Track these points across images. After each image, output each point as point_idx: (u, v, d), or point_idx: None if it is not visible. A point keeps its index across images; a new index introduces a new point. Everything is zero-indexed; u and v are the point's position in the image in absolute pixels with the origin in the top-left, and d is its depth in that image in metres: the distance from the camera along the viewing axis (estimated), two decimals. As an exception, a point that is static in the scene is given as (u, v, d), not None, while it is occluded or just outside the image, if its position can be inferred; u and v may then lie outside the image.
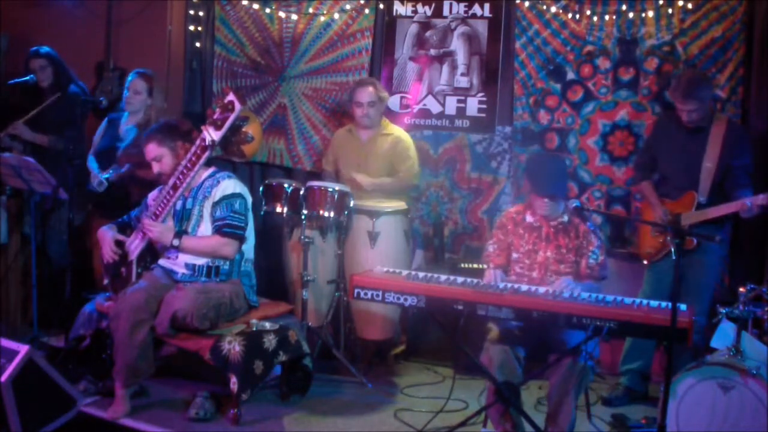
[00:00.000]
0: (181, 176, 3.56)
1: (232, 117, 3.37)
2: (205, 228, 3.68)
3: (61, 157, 4.60)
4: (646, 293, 3.88)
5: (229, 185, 3.70)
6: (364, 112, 4.49)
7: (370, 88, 4.48)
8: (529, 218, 3.49)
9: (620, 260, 4.41)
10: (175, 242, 3.61)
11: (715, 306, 3.43)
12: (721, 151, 3.79)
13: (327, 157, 4.80)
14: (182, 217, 3.71)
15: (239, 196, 3.69)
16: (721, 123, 3.84)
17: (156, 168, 3.69)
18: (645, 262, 4.02)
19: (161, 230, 3.62)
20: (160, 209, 3.65)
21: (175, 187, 3.59)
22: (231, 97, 3.38)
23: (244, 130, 3.51)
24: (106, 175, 4.32)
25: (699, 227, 3.73)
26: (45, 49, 4.76)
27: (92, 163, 4.51)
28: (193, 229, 3.69)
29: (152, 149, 3.67)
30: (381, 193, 4.46)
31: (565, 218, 3.43)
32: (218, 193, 3.67)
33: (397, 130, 4.64)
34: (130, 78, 4.48)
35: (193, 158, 3.50)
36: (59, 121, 4.66)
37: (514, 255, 3.50)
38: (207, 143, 3.43)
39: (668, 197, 3.94)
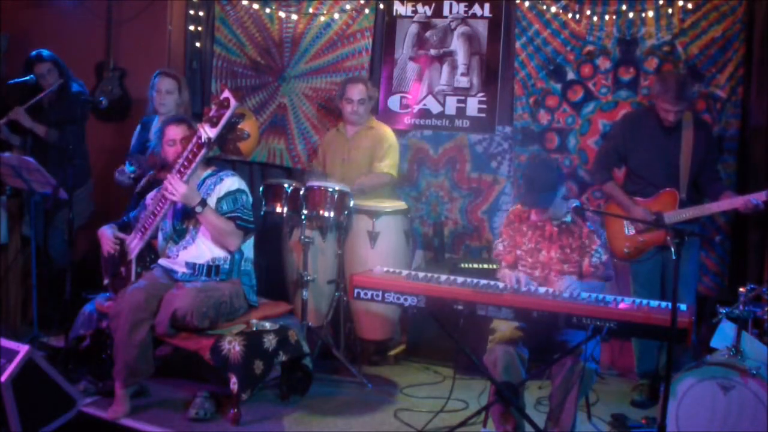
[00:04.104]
0: (178, 174, 3.55)
1: (227, 114, 3.37)
2: (207, 226, 3.68)
3: (61, 158, 4.60)
4: (638, 294, 3.89)
5: (234, 182, 3.72)
6: (353, 109, 4.52)
7: (361, 86, 4.52)
8: (533, 216, 3.48)
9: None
10: (199, 209, 3.54)
11: (715, 306, 3.44)
12: (695, 146, 3.88)
13: (317, 157, 4.83)
14: (184, 215, 3.71)
15: (244, 192, 3.72)
16: (688, 119, 3.92)
17: (172, 152, 3.68)
18: (615, 260, 4.04)
19: (187, 192, 3.51)
20: (159, 208, 3.64)
21: (165, 197, 3.58)
22: (226, 94, 3.37)
23: (240, 127, 3.49)
24: (131, 168, 4.30)
25: (682, 224, 3.78)
26: (46, 52, 4.75)
27: (127, 167, 4.47)
28: (195, 225, 3.68)
29: (182, 130, 3.67)
30: (363, 192, 4.45)
31: (569, 218, 3.43)
32: (223, 189, 3.68)
33: (380, 126, 4.66)
34: (155, 80, 4.42)
35: (190, 156, 3.49)
36: (60, 119, 4.67)
37: (518, 252, 3.50)
38: (203, 140, 3.42)
39: (640, 195, 3.97)
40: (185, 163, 3.51)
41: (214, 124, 3.39)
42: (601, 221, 4.09)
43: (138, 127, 4.60)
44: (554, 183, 3.33)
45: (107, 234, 3.82)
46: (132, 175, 4.30)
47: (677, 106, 3.80)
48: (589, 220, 3.45)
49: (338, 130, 4.70)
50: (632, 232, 3.96)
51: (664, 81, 3.85)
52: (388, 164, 4.53)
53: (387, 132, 4.64)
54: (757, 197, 3.66)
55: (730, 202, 3.75)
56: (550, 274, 3.41)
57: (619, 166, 4.14)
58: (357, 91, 4.51)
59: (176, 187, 3.50)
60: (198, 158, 3.48)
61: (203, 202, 3.56)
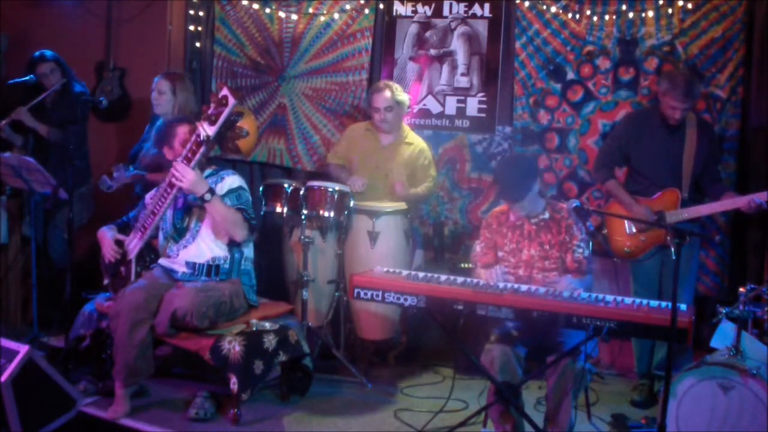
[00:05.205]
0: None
1: (226, 112, 3.36)
2: (208, 223, 3.67)
3: (62, 157, 4.61)
4: (638, 293, 3.89)
5: (235, 180, 3.73)
6: (381, 117, 4.45)
7: (387, 93, 4.42)
8: (512, 217, 3.51)
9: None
10: (207, 196, 3.50)
11: (715, 306, 3.44)
12: (698, 146, 3.89)
13: (337, 149, 4.70)
14: (184, 214, 3.71)
15: (245, 190, 3.73)
16: (691, 119, 3.93)
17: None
18: (615, 259, 4.04)
19: (195, 179, 3.47)
20: (158, 207, 3.64)
21: (171, 185, 3.56)
22: (225, 92, 3.37)
23: (238, 125, 3.49)
24: (117, 175, 4.29)
25: (683, 224, 3.80)
26: (49, 52, 4.77)
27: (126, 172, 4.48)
28: (195, 224, 3.69)
29: (189, 129, 3.65)
30: (406, 201, 4.44)
31: (546, 215, 3.45)
32: (225, 186, 3.68)
33: (418, 141, 4.61)
34: (154, 80, 4.44)
35: (189, 154, 3.48)
36: (62, 119, 4.68)
37: (500, 253, 3.54)
38: (202, 138, 3.41)
39: (642, 195, 3.97)
40: (185, 161, 3.50)
41: (212, 122, 3.38)
42: (603, 222, 4.10)
43: (148, 126, 4.62)
44: (525, 174, 3.37)
45: (107, 238, 3.81)
46: (123, 180, 4.29)
47: (684, 103, 3.80)
48: (589, 220, 3.46)
49: (369, 132, 4.60)
50: (633, 231, 3.97)
51: (672, 78, 3.84)
52: (437, 186, 4.64)
53: (428, 152, 4.60)
54: (760, 197, 3.66)
55: (732, 202, 3.75)
56: (533, 272, 3.43)
57: (621, 165, 4.15)
58: (382, 99, 4.42)
59: (184, 174, 3.46)
60: (197, 156, 3.47)
61: (211, 190, 3.53)
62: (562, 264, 3.42)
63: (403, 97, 4.51)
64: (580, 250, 3.40)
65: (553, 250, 3.42)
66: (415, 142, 4.59)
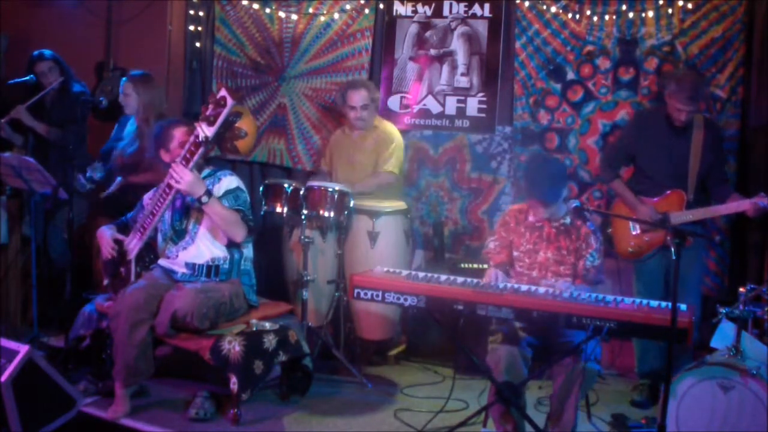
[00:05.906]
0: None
1: (224, 112, 3.35)
2: (206, 224, 3.68)
3: (62, 157, 4.61)
4: (641, 293, 3.89)
5: (232, 180, 3.72)
6: (357, 115, 4.50)
7: (363, 92, 4.49)
8: (531, 217, 3.48)
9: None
10: (204, 199, 3.49)
11: (715, 306, 3.44)
12: (704, 148, 3.87)
13: (324, 156, 4.84)
14: (182, 215, 3.71)
15: (243, 190, 3.73)
16: (699, 120, 3.91)
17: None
18: (619, 259, 4.04)
19: (192, 181, 3.45)
20: (157, 208, 3.63)
21: (170, 186, 3.56)
22: (223, 92, 3.36)
23: (237, 125, 3.49)
24: (90, 175, 4.32)
25: (688, 225, 3.79)
26: (48, 51, 4.78)
27: (97, 174, 4.50)
28: (194, 225, 3.69)
29: (187, 131, 3.65)
30: (366, 193, 4.44)
31: (567, 220, 3.43)
32: (222, 187, 3.68)
33: (385, 125, 4.66)
34: (122, 81, 4.49)
35: (188, 155, 3.47)
36: (62, 119, 4.68)
37: (515, 253, 3.50)
38: (200, 139, 3.40)
39: (646, 195, 3.97)
40: (183, 162, 3.49)
41: (211, 123, 3.37)
42: (608, 221, 4.09)
43: (116, 126, 4.63)
44: (560, 177, 3.36)
45: (106, 237, 3.81)
46: (96, 179, 4.32)
47: (689, 106, 3.78)
48: (591, 221, 3.45)
49: (344, 132, 4.71)
50: (638, 231, 3.96)
51: (680, 80, 3.82)
52: (392, 163, 4.53)
53: (392, 131, 4.63)
54: (762, 200, 3.65)
55: (737, 205, 3.74)
56: (547, 275, 3.41)
57: (626, 165, 4.14)
58: (359, 98, 4.48)
59: (181, 175, 3.45)
60: (196, 157, 3.44)
61: (209, 192, 3.53)
62: (575, 270, 3.41)
63: (378, 94, 4.65)
64: (592, 259, 3.39)
65: (569, 256, 3.40)
66: (381, 126, 4.63)
